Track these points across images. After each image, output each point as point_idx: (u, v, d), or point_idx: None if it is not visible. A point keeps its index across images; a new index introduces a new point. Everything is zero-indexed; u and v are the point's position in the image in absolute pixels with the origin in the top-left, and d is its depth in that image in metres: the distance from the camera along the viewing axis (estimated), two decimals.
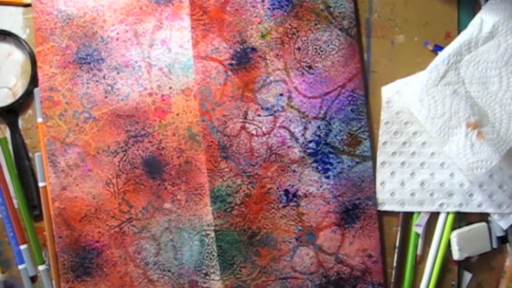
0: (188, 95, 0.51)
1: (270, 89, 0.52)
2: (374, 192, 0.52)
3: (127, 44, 0.51)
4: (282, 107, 0.52)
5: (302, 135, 0.52)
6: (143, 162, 0.51)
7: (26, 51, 0.51)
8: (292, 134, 0.52)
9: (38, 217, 0.52)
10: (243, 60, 0.51)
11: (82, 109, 0.51)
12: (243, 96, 0.51)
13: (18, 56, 0.52)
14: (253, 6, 0.51)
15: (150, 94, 0.51)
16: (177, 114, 0.51)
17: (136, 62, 0.51)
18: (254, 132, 0.51)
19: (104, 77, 0.51)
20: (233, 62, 0.51)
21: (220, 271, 0.51)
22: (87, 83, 0.51)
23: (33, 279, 0.52)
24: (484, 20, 0.50)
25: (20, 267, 0.51)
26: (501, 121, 0.50)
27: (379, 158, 0.52)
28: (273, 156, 0.52)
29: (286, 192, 0.52)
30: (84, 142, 0.51)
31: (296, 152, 0.52)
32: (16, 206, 0.52)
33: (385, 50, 0.53)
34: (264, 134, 0.51)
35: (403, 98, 0.51)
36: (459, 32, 0.53)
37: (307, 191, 0.52)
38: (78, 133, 0.51)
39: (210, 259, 0.51)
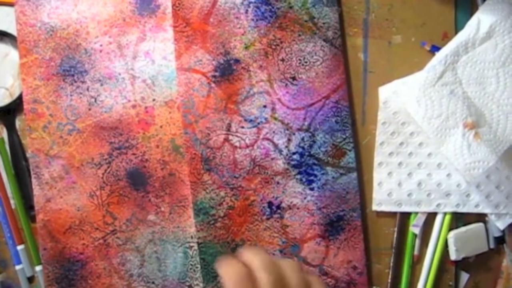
0: (171, 107, 0.49)
1: (253, 101, 0.49)
2: (359, 204, 0.50)
3: (111, 56, 0.49)
4: (266, 118, 0.49)
5: (286, 146, 0.49)
6: (127, 174, 0.49)
7: None
8: (275, 146, 0.49)
9: (35, 218, 0.49)
10: (227, 72, 0.49)
11: (66, 121, 0.49)
12: (226, 108, 0.49)
13: (15, 56, 0.50)
14: (237, 17, 0.49)
15: (134, 106, 0.49)
16: (161, 126, 0.49)
17: (119, 74, 0.49)
18: (237, 144, 0.49)
19: (87, 89, 0.49)
20: (216, 74, 0.49)
21: (203, 283, 0.49)
22: (71, 95, 0.49)
23: (30, 279, 0.50)
24: (481, 20, 0.49)
25: (17, 267, 0.50)
26: (498, 121, 0.48)
27: (376, 159, 0.51)
28: (257, 168, 0.49)
29: (270, 204, 0.49)
30: (68, 154, 0.49)
31: (280, 164, 0.49)
32: (13, 206, 0.50)
33: (382, 51, 0.51)
34: (247, 146, 0.49)
35: (400, 98, 0.49)
36: (456, 33, 0.51)
37: (291, 203, 0.49)
38: (62, 145, 0.49)
39: (194, 271, 0.49)
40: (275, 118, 0.49)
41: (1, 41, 0.50)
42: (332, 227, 0.50)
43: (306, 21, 0.49)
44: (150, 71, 0.49)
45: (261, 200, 0.49)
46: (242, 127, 0.49)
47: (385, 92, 0.50)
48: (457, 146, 0.48)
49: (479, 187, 0.50)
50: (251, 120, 0.49)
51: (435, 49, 0.50)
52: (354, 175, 0.50)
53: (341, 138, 0.50)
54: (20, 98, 0.50)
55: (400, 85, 0.50)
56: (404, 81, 0.50)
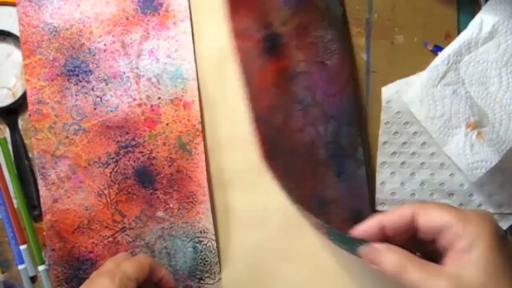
0: (177, 105, 0.49)
1: (298, 81, 0.48)
2: (369, 197, 0.50)
3: (115, 55, 0.49)
4: (309, 102, 0.48)
5: (324, 135, 0.49)
6: (134, 172, 0.49)
7: None
8: (318, 133, 0.49)
9: (38, 217, 0.50)
10: (274, 44, 0.48)
11: (71, 121, 0.49)
12: (281, 85, 0.48)
13: (17, 56, 0.50)
14: None
15: (140, 105, 0.49)
16: (167, 124, 0.49)
17: (124, 73, 0.49)
18: (293, 127, 0.48)
19: (92, 89, 0.49)
20: (267, 44, 0.48)
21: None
22: (76, 95, 0.49)
23: (33, 279, 0.50)
24: (483, 20, 0.48)
25: (20, 267, 0.50)
26: (501, 121, 0.48)
27: (379, 158, 0.51)
28: (306, 156, 0.48)
29: (319, 198, 0.49)
30: (75, 154, 0.49)
31: (321, 153, 0.49)
32: (16, 206, 0.50)
33: (385, 50, 0.51)
34: (299, 131, 0.48)
35: (403, 98, 0.49)
36: (458, 33, 0.51)
37: (331, 196, 0.49)
38: (68, 145, 0.49)
39: (204, 264, 0.50)
40: (316, 102, 0.49)
41: (4, 41, 0.50)
42: (355, 223, 0.50)
43: (324, 9, 0.49)
44: (154, 69, 0.49)
45: (312, 194, 0.48)
46: (294, 109, 0.48)
47: (388, 92, 0.50)
48: (460, 146, 0.48)
49: (482, 187, 0.50)
50: (299, 101, 0.48)
51: (437, 49, 0.51)
52: (363, 168, 0.50)
53: (354, 130, 0.50)
54: (22, 98, 0.49)
55: (403, 85, 0.50)
56: (407, 81, 0.50)
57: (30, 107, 0.48)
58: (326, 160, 0.49)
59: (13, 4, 0.49)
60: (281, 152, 0.47)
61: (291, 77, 0.48)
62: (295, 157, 0.48)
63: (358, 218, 0.49)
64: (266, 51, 0.48)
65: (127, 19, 0.49)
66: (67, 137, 0.49)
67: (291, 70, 0.48)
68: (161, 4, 0.49)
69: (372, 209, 0.51)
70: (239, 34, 0.47)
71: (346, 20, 0.51)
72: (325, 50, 0.49)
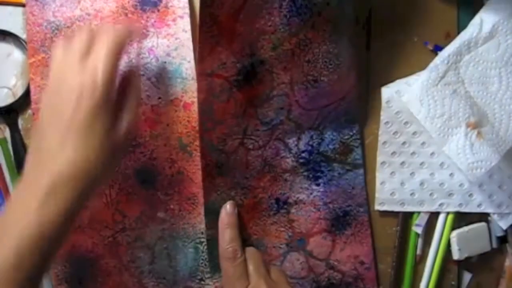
0: (177, 105, 0.48)
1: (271, 103, 0.48)
2: (366, 199, 0.50)
3: None
4: (281, 120, 0.48)
5: (296, 145, 0.49)
6: (135, 172, 0.48)
7: (26, 51, 0.48)
8: (286, 145, 0.49)
9: None
10: (250, 75, 0.46)
11: None
12: (245, 113, 0.47)
13: (18, 56, 0.49)
14: (269, 13, 0.45)
15: (140, 104, 0.49)
16: (168, 125, 0.48)
17: (124, 72, 0.49)
18: (251, 146, 0.48)
19: None
20: (239, 77, 0.46)
21: (210, 273, 0.49)
22: None
23: None
24: (483, 19, 0.48)
25: None
26: (500, 121, 0.48)
27: (379, 158, 0.50)
28: (267, 167, 0.49)
29: (277, 200, 0.49)
30: None
31: (288, 162, 0.49)
32: None
33: (385, 50, 0.50)
34: (260, 147, 0.48)
35: (403, 98, 0.49)
36: (459, 32, 0.50)
37: (297, 198, 0.49)
38: None
39: (205, 265, 0.49)
40: (290, 119, 0.48)
41: (4, 40, 0.50)
42: (339, 222, 0.50)
43: (341, 19, 0.47)
44: (154, 68, 0.48)
45: (269, 197, 0.49)
46: (257, 130, 0.48)
47: (387, 91, 0.49)
48: (459, 145, 0.47)
49: (481, 187, 0.50)
50: (266, 123, 0.48)
51: (437, 48, 0.50)
52: (360, 171, 0.50)
53: (349, 135, 0.49)
54: (23, 97, 0.49)
55: (403, 85, 0.49)
56: (406, 81, 0.49)
57: (33, 105, 0.48)
58: (296, 167, 0.49)
59: (13, 4, 0.49)
60: (231, 170, 0.48)
61: (262, 103, 0.47)
62: (249, 170, 0.48)
63: (343, 217, 0.50)
64: (237, 83, 0.46)
65: (127, 15, 0.48)
66: None
67: (264, 95, 0.47)
68: (160, 0, 0.48)
69: (369, 209, 0.51)
70: (209, 74, 0.45)
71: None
72: (325, 67, 0.47)
